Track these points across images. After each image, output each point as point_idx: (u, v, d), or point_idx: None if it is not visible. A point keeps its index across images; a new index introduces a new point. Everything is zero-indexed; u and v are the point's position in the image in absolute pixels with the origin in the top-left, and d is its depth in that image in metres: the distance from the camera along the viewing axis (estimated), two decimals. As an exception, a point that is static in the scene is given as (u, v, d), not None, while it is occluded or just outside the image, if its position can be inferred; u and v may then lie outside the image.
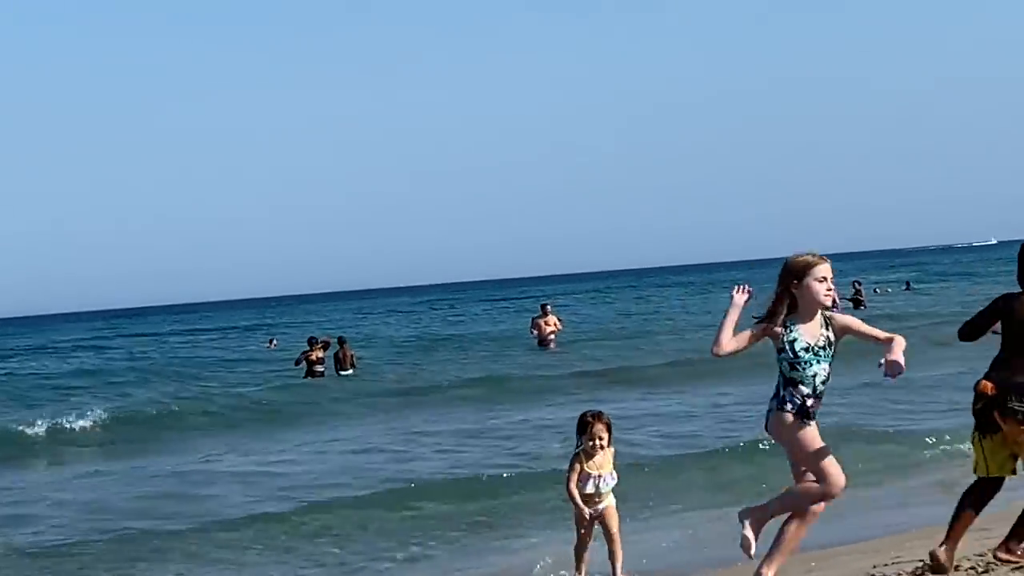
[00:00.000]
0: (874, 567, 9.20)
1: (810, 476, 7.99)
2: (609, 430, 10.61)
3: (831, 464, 7.90)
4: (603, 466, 10.57)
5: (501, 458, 18.51)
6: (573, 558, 10.85)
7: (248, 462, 20.26)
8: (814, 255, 8.03)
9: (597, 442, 10.51)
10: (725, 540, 10.43)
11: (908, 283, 67.67)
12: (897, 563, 9.24)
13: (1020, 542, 8.52)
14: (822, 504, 8.02)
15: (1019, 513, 8.63)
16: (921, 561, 8.72)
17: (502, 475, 16.59)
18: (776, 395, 7.99)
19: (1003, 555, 8.48)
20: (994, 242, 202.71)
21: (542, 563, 11.69)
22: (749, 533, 8.03)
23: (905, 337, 7.77)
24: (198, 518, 15.15)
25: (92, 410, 27.04)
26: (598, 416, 10.65)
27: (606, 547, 10.71)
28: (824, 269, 7.98)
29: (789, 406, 7.92)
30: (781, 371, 7.97)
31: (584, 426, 10.64)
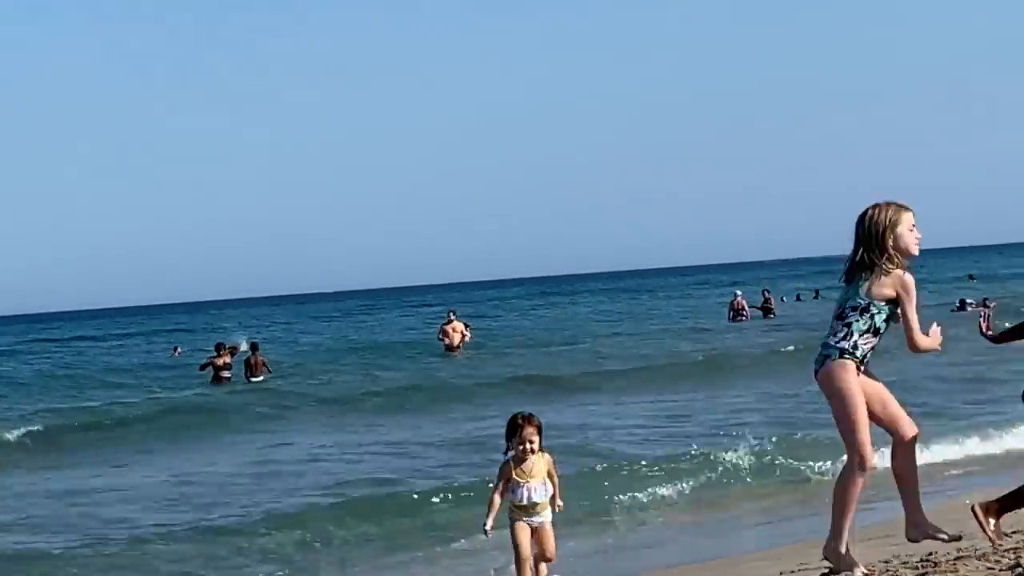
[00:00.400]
0: (780, 574, 9.09)
1: (897, 420, 7.82)
2: (540, 433, 10.06)
3: (867, 437, 7.69)
4: (535, 474, 10.03)
5: (407, 470, 18.12)
6: None
7: (147, 478, 19.32)
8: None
9: (527, 446, 9.95)
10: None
11: (817, 291, 68.38)
12: (803, 570, 9.15)
13: (1001, 513, 8.26)
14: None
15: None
16: (827, 568, 8.61)
17: (414, 491, 15.91)
18: (846, 339, 7.74)
19: (979, 512, 8.21)
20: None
21: None
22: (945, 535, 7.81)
23: None
24: (84, 536, 14.40)
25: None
26: (528, 419, 10.07)
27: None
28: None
29: (859, 353, 7.73)
30: (864, 320, 7.74)
31: (514, 429, 10.05)
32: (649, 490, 15.30)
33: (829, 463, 15.73)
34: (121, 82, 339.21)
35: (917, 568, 7.81)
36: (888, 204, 7.87)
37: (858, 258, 7.81)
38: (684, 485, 15.54)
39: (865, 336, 7.75)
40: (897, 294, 7.71)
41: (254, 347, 36.77)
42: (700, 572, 10.87)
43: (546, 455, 10.14)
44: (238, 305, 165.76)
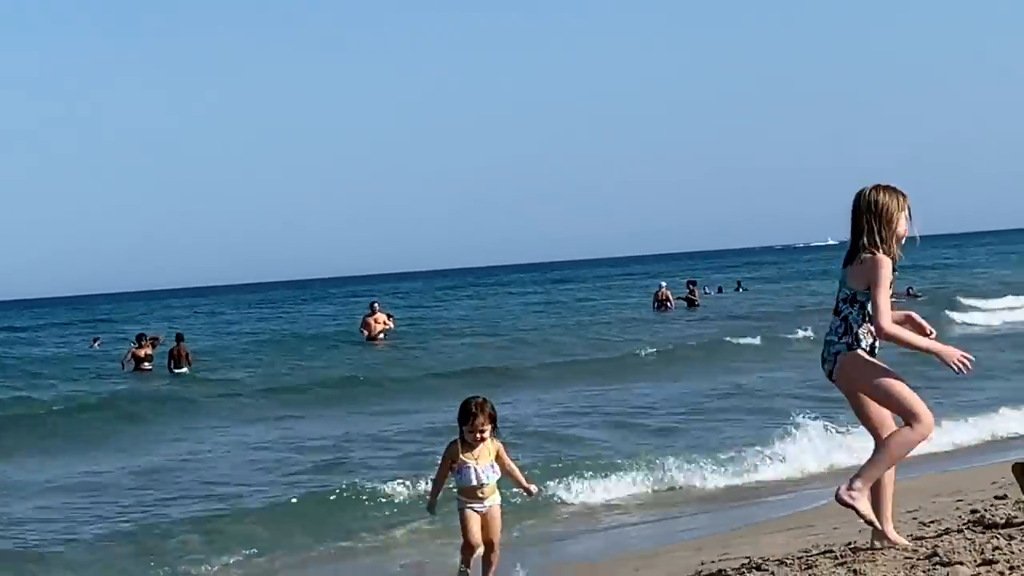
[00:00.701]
0: (701, 564, 9.08)
1: (886, 421, 7.64)
2: (493, 421, 9.83)
3: (917, 399, 7.50)
4: (482, 456, 9.79)
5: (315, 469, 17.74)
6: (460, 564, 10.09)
7: (49, 476, 18.29)
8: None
9: (479, 435, 9.76)
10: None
11: (739, 283, 69.01)
12: (724, 559, 9.14)
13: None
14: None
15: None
16: (747, 558, 8.62)
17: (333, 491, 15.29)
18: (847, 334, 7.60)
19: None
20: (832, 242, 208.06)
21: None
22: (865, 508, 7.57)
23: None
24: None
25: None
26: (481, 406, 9.80)
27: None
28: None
29: (865, 343, 7.59)
30: (858, 309, 7.61)
31: (467, 415, 9.79)
32: (583, 481, 15.10)
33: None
34: None
35: (837, 557, 7.80)
36: (889, 187, 7.69)
37: (855, 244, 7.63)
38: (620, 478, 15.33)
39: (864, 327, 7.61)
40: (867, 277, 7.52)
41: (179, 337, 36.29)
42: (624, 563, 10.84)
43: (496, 440, 9.95)
44: (164, 296, 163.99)
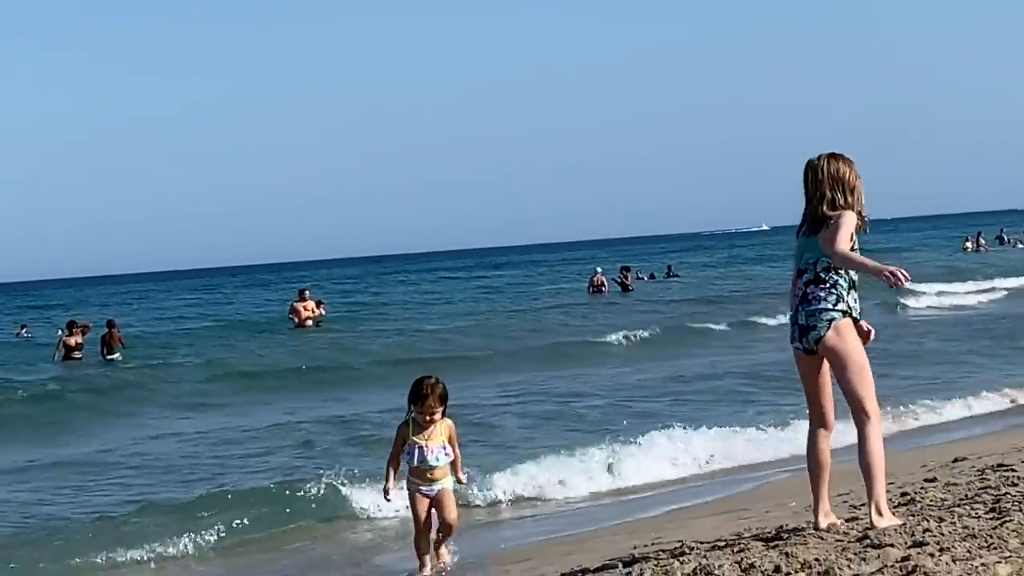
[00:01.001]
0: (634, 548, 9.08)
1: (829, 403, 7.72)
2: (444, 402, 9.67)
3: (873, 387, 7.65)
4: (433, 437, 9.62)
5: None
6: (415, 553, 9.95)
7: None
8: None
9: (429, 417, 9.60)
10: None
11: (670, 268, 69.46)
12: (656, 543, 9.14)
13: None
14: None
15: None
16: (679, 542, 8.62)
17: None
18: (839, 301, 7.60)
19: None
20: (765, 228, 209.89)
21: None
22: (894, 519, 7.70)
23: None
24: None
25: None
26: (433, 387, 9.62)
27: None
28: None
29: (855, 312, 7.66)
30: (843, 276, 7.63)
31: (418, 396, 9.61)
32: (516, 469, 14.97)
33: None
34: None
35: (768, 542, 7.82)
36: (843, 156, 7.72)
37: (819, 212, 7.64)
38: (553, 466, 15.19)
39: (851, 292, 7.67)
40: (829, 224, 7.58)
41: (110, 324, 35.87)
42: (558, 546, 10.84)
43: (448, 421, 9.76)
44: (98, 283, 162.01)
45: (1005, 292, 45.24)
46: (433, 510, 9.79)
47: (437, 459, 9.62)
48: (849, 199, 7.65)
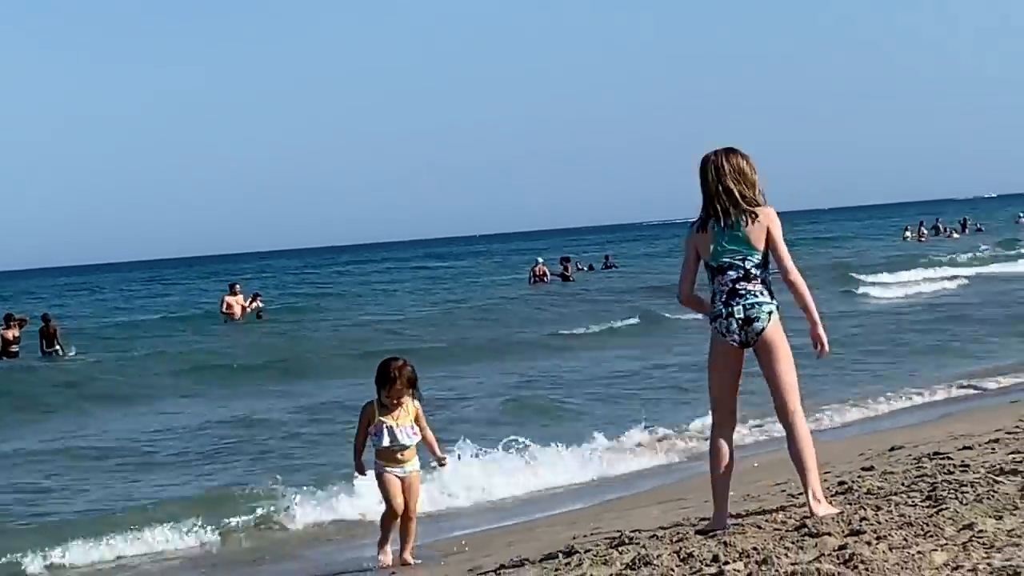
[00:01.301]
0: (574, 538, 9.10)
1: (736, 402, 7.82)
2: (413, 385, 9.50)
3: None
4: (400, 418, 9.46)
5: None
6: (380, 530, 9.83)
7: None
8: None
9: (396, 401, 9.44)
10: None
11: (607, 258, 69.50)
12: (596, 533, 9.17)
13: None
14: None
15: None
16: (619, 532, 8.65)
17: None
18: (772, 296, 7.66)
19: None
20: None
21: None
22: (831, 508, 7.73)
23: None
24: None
25: None
26: (401, 369, 9.44)
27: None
28: None
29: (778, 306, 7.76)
30: (768, 271, 7.69)
31: (385, 379, 9.43)
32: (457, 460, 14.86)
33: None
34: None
35: (706, 532, 7.86)
36: (736, 150, 7.73)
37: (724, 208, 7.61)
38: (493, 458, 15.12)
39: (771, 286, 7.73)
40: (768, 229, 7.61)
41: (45, 318, 35.54)
42: (498, 538, 10.85)
43: (415, 401, 9.63)
44: (35, 275, 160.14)
45: (965, 280, 44.69)
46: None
47: (407, 439, 9.49)
48: (751, 192, 7.68)
